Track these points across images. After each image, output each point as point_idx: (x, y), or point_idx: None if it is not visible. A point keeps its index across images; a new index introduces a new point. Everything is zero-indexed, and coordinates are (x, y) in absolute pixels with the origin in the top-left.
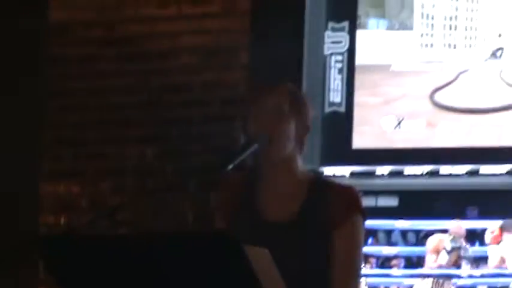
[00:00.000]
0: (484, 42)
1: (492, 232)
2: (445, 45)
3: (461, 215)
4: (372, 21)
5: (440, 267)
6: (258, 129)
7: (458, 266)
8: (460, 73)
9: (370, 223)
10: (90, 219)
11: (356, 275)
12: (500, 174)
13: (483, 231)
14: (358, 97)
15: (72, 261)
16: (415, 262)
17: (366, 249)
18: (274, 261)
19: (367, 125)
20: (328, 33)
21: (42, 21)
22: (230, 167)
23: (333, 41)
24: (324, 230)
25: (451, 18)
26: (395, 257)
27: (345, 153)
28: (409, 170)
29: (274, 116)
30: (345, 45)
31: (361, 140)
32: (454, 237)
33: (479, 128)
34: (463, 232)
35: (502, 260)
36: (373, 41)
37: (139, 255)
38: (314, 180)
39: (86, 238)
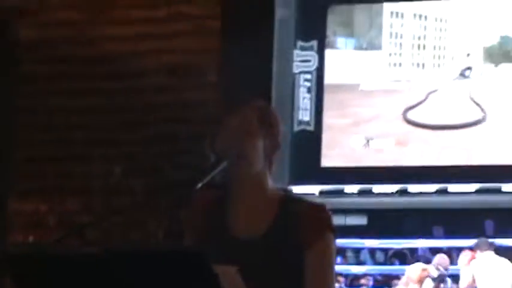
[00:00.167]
0: (453, 61)
1: (465, 255)
2: (413, 64)
3: (428, 234)
4: (340, 40)
5: None
6: (226, 147)
7: None
8: (430, 93)
9: (339, 242)
10: (59, 237)
11: None
12: (469, 193)
13: (449, 249)
14: (328, 118)
15: (40, 279)
16: (383, 281)
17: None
18: (245, 278)
19: (336, 143)
20: (297, 52)
21: (12, 40)
22: (199, 185)
23: (302, 59)
24: (295, 248)
25: (419, 38)
26: (364, 275)
27: (314, 172)
28: (377, 188)
29: (242, 134)
30: (313, 64)
31: (330, 158)
32: (438, 267)
33: (448, 147)
34: (447, 263)
35: (473, 280)
36: (342, 60)
37: (109, 273)
38: (284, 197)
39: (54, 257)
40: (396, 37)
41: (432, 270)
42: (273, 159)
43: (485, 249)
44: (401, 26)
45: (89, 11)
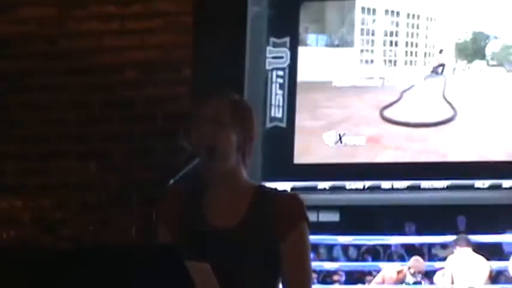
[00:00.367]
0: (425, 58)
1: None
2: (385, 61)
3: (401, 230)
4: (312, 37)
5: None
6: (198, 141)
7: None
8: (403, 91)
9: (311, 238)
10: (33, 234)
11: (310, 280)
12: (441, 189)
13: (421, 246)
14: (300, 114)
15: (13, 276)
16: (356, 277)
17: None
18: (219, 268)
19: (308, 140)
20: (269, 48)
21: None
22: (172, 181)
23: (274, 56)
24: (270, 237)
25: (391, 34)
26: (337, 272)
27: (286, 169)
28: (350, 185)
29: (214, 127)
30: (286, 61)
31: (302, 155)
32: (414, 272)
33: (421, 143)
34: (422, 267)
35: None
36: (314, 57)
37: (83, 270)
38: (258, 188)
39: (28, 253)
40: (368, 34)
41: (408, 275)
42: (248, 151)
43: (464, 246)
44: (373, 22)
45: (61, 7)
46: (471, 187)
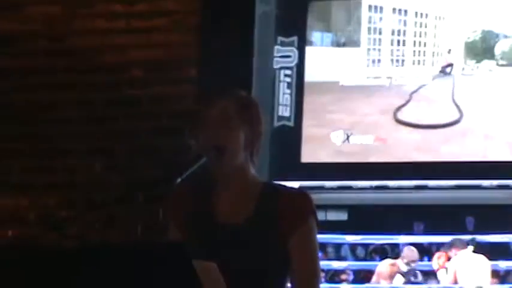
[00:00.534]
0: (434, 57)
1: (439, 258)
2: (393, 60)
3: (409, 230)
4: (317, 35)
5: None
6: (205, 140)
7: None
8: (413, 93)
9: (319, 237)
10: (38, 232)
11: (318, 275)
12: (449, 188)
13: (430, 245)
14: (307, 113)
15: (18, 274)
16: (364, 276)
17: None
18: (228, 264)
19: (316, 139)
20: (277, 47)
21: None
22: (179, 179)
23: (282, 55)
24: (278, 233)
25: (399, 33)
26: (345, 271)
27: (294, 167)
28: (358, 184)
29: (221, 125)
30: (293, 60)
31: (310, 154)
32: (407, 261)
33: (428, 143)
34: (415, 256)
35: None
36: (321, 56)
37: (88, 268)
38: (266, 185)
39: (33, 251)
40: (375, 33)
41: (401, 264)
42: (256, 148)
43: (461, 248)
44: (380, 20)
45: (67, 5)
46: (479, 187)
